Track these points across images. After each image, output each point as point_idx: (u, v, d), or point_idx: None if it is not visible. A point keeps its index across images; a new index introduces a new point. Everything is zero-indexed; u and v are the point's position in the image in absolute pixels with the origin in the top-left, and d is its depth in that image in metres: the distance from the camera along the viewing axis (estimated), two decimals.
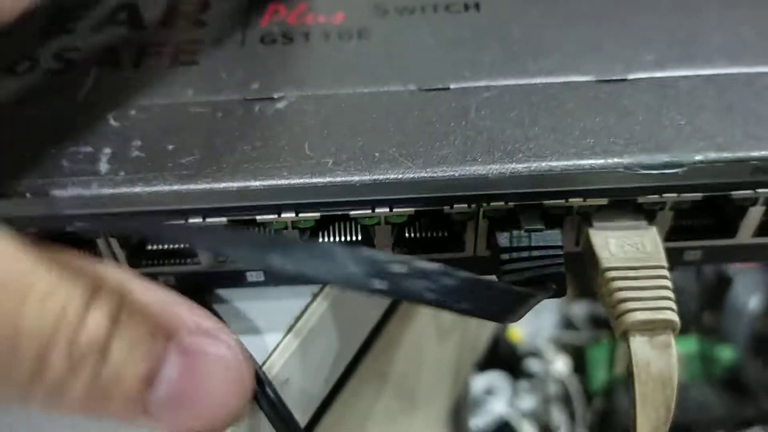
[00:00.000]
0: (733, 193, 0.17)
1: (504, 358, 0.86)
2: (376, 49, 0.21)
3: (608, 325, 0.17)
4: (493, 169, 0.17)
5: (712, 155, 0.17)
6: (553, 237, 0.17)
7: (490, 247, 0.18)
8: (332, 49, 0.21)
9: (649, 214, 0.18)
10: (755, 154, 0.17)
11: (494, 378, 0.84)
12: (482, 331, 0.56)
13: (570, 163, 0.17)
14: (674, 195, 0.17)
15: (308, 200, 0.17)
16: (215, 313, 0.19)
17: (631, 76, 0.19)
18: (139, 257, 0.19)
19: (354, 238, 0.18)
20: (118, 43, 0.21)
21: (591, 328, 0.88)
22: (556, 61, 0.20)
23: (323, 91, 0.19)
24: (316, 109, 0.19)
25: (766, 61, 0.19)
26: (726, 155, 0.17)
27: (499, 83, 0.19)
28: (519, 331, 0.88)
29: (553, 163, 0.17)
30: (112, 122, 0.19)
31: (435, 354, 0.42)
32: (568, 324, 0.91)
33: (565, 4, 0.22)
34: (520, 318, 0.16)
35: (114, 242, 0.18)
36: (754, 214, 0.18)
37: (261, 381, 0.17)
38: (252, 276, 0.19)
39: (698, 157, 0.17)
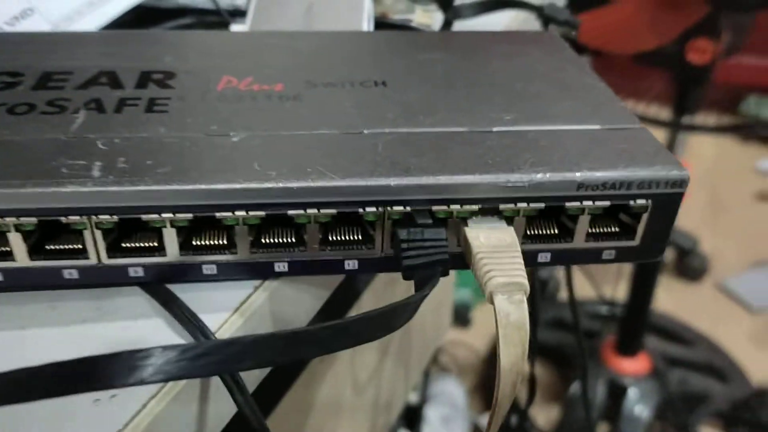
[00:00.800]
0: (566, 204, 0.24)
1: None
2: (308, 108, 0.27)
3: None
4: (395, 181, 0.23)
5: (548, 174, 0.24)
6: (439, 232, 0.23)
7: (393, 245, 0.24)
8: (274, 106, 0.27)
9: (508, 219, 0.24)
10: (578, 174, 0.24)
11: None
12: (397, 388, 0.60)
13: (450, 178, 0.23)
14: (524, 204, 0.24)
15: (256, 201, 0.23)
16: (178, 298, 0.23)
17: (494, 129, 0.26)
18: (115, 250, 0.23)
19: (289, 240, 0.24)
20: (101, 96, 0.27)
21: None
22: (441, 117, 0.27)
23: (268, 133, 0.25)
24: (263, 143, 0.25)
25: (582, 122, 0.27)
26: (558, 174, 0.24)
27: (400, 130, 0.26)
28: None
29: (439, 178, 0.23)
30: (101, 146, 0.24)
31: (352, 404, 0.45)
32: None
33: (447, 84, 0.30)
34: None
35: (98, 234, 0.23)
36: (583, 222, 0.25)
37: None
38: (207, 269, 0.24)
39: (538, 176, 0.24)
